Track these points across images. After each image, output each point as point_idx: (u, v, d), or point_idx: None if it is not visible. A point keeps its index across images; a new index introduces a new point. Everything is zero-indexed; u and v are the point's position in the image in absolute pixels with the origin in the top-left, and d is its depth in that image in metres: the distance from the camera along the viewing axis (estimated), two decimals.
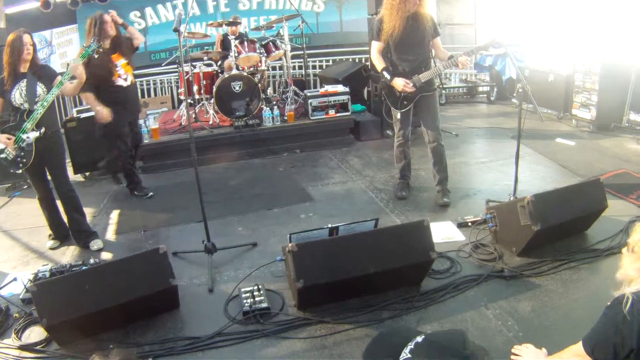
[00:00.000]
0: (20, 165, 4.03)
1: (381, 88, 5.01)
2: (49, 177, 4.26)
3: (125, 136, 5.34)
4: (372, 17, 6.84)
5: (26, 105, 3.92)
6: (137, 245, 4.25)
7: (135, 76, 8.85)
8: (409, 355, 2.10)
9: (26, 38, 3.92)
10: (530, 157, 5.86)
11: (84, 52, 4.19)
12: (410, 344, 2.16)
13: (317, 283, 3.03)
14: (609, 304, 2.03)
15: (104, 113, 4.88)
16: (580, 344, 2.09)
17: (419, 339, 2.16)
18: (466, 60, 4.30)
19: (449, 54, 4.47)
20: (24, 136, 3.93)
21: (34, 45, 4.01)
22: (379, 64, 4.56)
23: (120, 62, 5.10)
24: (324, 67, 9.36)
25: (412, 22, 4.35)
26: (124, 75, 5.13)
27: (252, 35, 7.77)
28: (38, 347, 2.97)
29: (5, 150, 3.98)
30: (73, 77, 4.01)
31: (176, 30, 3.70)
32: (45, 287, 2.90)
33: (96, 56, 4.47)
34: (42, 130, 3.97)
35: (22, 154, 3.98)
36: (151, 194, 5.52)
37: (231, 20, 7.46)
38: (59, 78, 4.01)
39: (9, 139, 3.92)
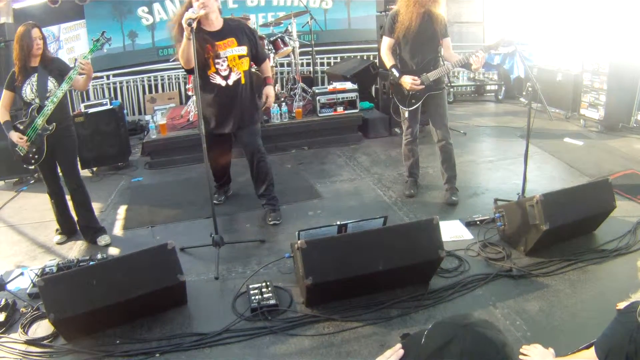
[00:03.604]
0: (33, 161, 4.03)
1: (389, 86, 4.98)
2: (60, 172, 4.25)
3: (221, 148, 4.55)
4: (381, 14, 6.82)
5: (37, 101, 3.90)
6: (144, 241, 4.24)
7: (142, 72, 9.00)
8: None
9: (35, 32, 3.85)
10: (538, 156, 5.82)
11: (93, 46, 4.05)
12: None
13: (325, 280, 3.02)
14: (620, 308, 1.99)
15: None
16: (592, 350, 2.04)
17: None
18: (483, 58, 4.16)
19: (458, 57, 4.35)
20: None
21: (43, 38, 3.93)
22: (388, 61, 4.54)
23: (229, 52, 4.03)
24: (332, 64, 9.33)
25: (425, 19, 4.32)
26: (224, 71, 4.05)
27: (261, 31, 7.74)
28: (45, 342, 2.98)
29: (19, 146, 3.98)
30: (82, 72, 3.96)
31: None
32: (52, 282, 2.90)
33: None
34: (53, 126, 3.94)
35: (35, 149, 3.98)
36: (222, 198, 5.02)
37: (240, 17, 7.44)
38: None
39: (21, 138, 3.91)
